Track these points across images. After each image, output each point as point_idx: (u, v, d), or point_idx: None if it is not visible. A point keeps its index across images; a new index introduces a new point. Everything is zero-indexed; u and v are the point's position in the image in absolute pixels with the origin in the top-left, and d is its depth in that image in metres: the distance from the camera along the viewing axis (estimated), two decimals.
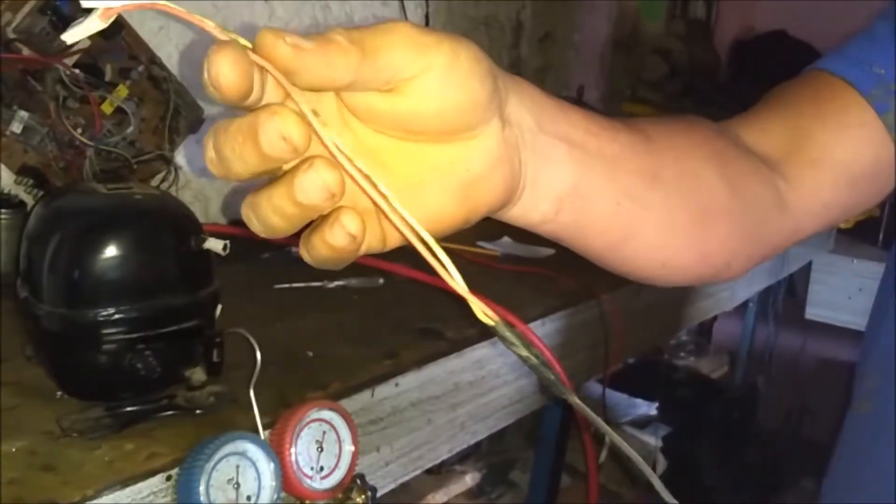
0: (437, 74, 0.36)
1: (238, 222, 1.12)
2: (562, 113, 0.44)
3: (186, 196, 1.08)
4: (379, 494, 0.68)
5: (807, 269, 2.07)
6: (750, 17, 2.64)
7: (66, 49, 0.94)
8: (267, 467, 0.57)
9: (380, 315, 0.88)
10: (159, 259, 0.60)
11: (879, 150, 0.56)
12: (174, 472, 0.54)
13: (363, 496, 0.63)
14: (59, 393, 0.60)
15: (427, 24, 1.44)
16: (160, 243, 0.60)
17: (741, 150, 0.55)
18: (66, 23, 0.94)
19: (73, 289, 0.57)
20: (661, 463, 1.84)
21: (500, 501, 1.57)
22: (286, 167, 0.35)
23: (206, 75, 0.32)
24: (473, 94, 0.37)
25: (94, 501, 0.50)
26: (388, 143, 0.38)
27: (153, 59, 1.03)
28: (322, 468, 0.61)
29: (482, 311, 0.36)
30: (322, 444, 0.61)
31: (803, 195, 0.57)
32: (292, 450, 0.59)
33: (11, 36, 0.91)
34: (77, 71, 0.95)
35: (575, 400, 0.38)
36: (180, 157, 1.08)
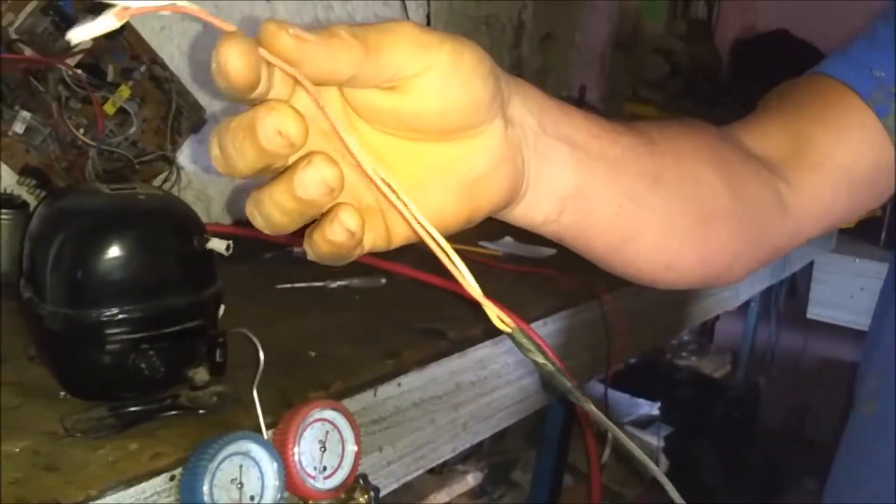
0: (440, 73, 0.36)
1: (240, 222, 1.12)
2: (563, 115, 0.44)
3: (188, 196, 1.09)
4: (381, 494, 0.68)
5: (809, 269, 2.07)
6: (751, 17, 2.64)
7: (69, 49, 0.95)
8: (270, 467, 0.57)
9: (382, 315, 0.88)
10: (162, 259, 0.60)
11: (880, 153, 0.57)
12: (178, 472, 0.54)
13: (366, 496, 0.63)
14: (62, 393, 0.61)
15: (428, 23, 1.44)
16: (163, 243, 0.60)
17: (742, 154, 0.56)
18: (68, 23, 0.94)
19: (76, 289, 0.57)
20: (663, 463, 1.84)
21: (501, 501, 1.56)
22: (288, 163, 0.35)
23: (214, 65, 0.32)
24: (475, 94, 0.37)
25: (98, 501, 0.50)
26: (392, 143, 0.38)
27: (155, 60, 1.03)
28: (325, 468, 0.61)
29: (498, 317, 0.37)
30: (325, 444, 0.61)
31: (804, 198, 0.57)
32: (295, 450, 0.59)
33: (14, 36, 0.91)
34: (79, 71, 0.95)
35: (591, 408, 0.38)
36: (182, 158, 1.08)
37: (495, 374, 0.87)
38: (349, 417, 0.63)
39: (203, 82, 1.08)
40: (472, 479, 1.52)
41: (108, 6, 0.32)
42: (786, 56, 2.30)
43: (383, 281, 0.96)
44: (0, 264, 0.82)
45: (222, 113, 1.08)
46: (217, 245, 0.60)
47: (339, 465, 0.62)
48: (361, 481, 0.64)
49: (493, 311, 0.36)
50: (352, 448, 0.63)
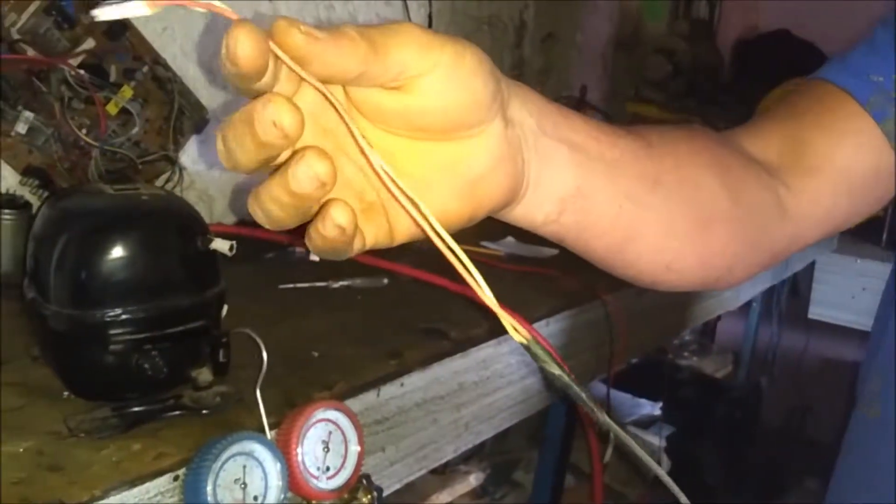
0: (443, 73, 0.37)
1: (243, 222, 1.12)
2: (563, 117, 0.45)
3: (191, 196, 1.09)
4: (384, 494, 0.68)
5: (810, 269, 2.07)
6: (753, 17, 2.64)
7: (71, 49, 0.95)
8: (273, 467, 0.57)
9: (384, 315, 0.88)
10: (166, 259, 0.60)
11: (879, 157, 0.57)
12: (181, 472, 0.54)
13: (369, 496, 0.63)
14: (65, 393, 0.61)
15: (430, 23, 1.44)
16: (167, 244, 0.60)
17: (743, 158, 0.56)
18: (70, 23, 0.95)
19: (80, 289, 0.57)
20: (665, 463, 1.84)
21: (503, 502, 1.56)
22: (283, 158, 0.36)
23: (224, 50, 0.33)
24: (476, 93, 0.38)
25: (102, 502, 0.50)
26: (396, 143, 0.39)
27: (157, 60, 1.03)
28: (328, 468, 0.61)
29: (513, 326, 0.37)
30: (328, 444, 0.61)
31: (804, 202, 0.57)
32: (299, 450, 0.59)
33: (16, 36, 0.91)
34: (82, 72, 0.95)
35: (605, 419, 0.39)
36: (185, 158, 1.08)
37: (498, 374, 0.87)
38: (352, 418, 0.63)
39: (203, 86, 1.08)
40: (474, 480, 1.52)
41: None
42: (787, 56, 2.30)
43: (385, 281, 0.96)
44: (3, 264, 0.82)
45: (224, 113, 1.08)
46: (220, 245, 0.60)
47: (342, 466, 0.62)
48: (364, 481, 0.64)
49: (509, 321, 0.37)
50: (355, 448, 0.63)
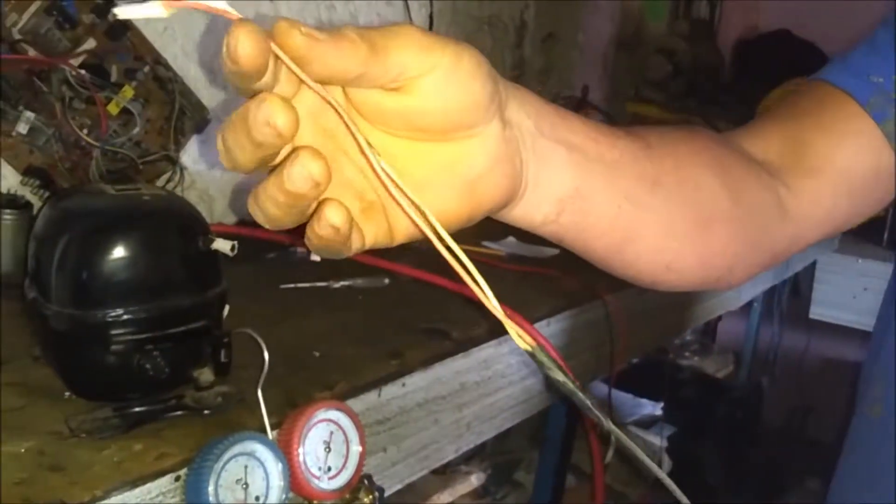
0: (442, 74, 0.37)
1: (244, 222, 1.12)
2: (561, 119, 0.45)
3: (192, 196, 1.09)
4: (386, 495, 0.68)
5: (811, 269, 2.07)
6: (753, 17, 2.64)
7: (72, 49, 0.95)
8: (275, 467, 0.57)
9: (385, 315, 0.88)
10: (167, 260, 0.60)
11: (879, 158, 0.57)
12: (183, 472, 0.54)
13: (371, 496, 0.63)
14: (66, 393, 0.61)
15: (431, 23, 1.44)
16: (168, 244, 0.60)
17: (743, 159, 0.56)
18: (71, 23, 0.95)
19: (81, 289, 0.57)
20: (667, 463, 1.84)
21: (505, 502, 1.56)
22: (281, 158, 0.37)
23: (225, 48, 0.33)
24: (475, 94, 0.39)
25: (103, 502, 0.50)
26: (395, 144, 0.39)
27: (158, 60, 1.03)
28: (330, 468, 0.61)
29: (518, 334, 0.37)
30: (329, 445, 0.61)
31: (804, 202, 0.57)
32: (300, 450, 0.59)
33: (17, 36, 0.91)
34: (83, 72, 0.95)
35: (611, 426, 0.39)
36: (186, 158, 1.08)
37: (499, 374, 0.87)
38: (354, 418, 0.63)
39: (204, 86, 1.08)
40: (475, 480, 1.51)
41: None
42: (788, 56, 2.30)
43: (386, 281, 0.96)
44: (3, 264, 0.82)
45: (224, 113, 1.08)
46: (222, 245, 0.60)
47: (343, 466, 0.62)
48: (366, 482, 0.64)
49: (514, 329, 0.37)
50: (356, 448, 0.63)
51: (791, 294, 2.27)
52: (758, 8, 2.65)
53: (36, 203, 0.90)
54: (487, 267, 1.08)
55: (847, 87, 0.57)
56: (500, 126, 0.41)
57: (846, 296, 2.02)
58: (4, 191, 0.90)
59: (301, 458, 0.59)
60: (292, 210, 0.36)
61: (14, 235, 0.82)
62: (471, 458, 1.54)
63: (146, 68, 1.02)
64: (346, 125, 0.36)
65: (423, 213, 0.37)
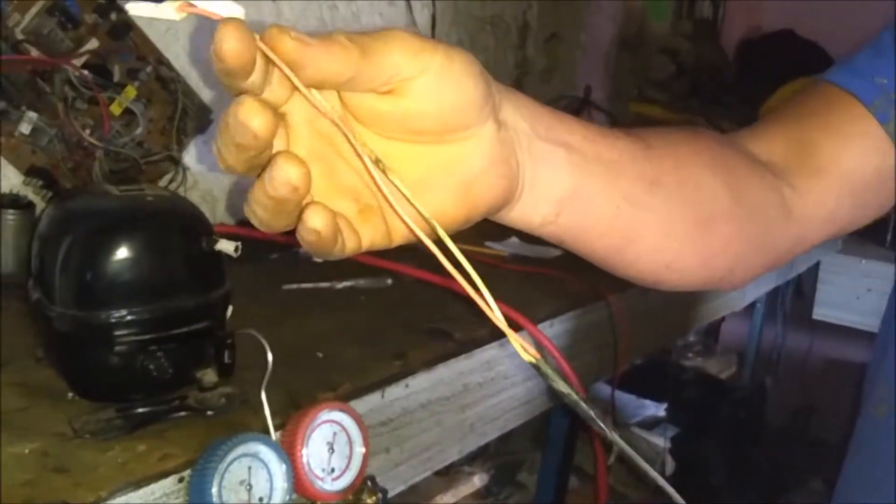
0: (434, 76, 0.38)
1: (245, 222, 1.12)
2: (558, 121, 0.46)
3: (194, 197, 1.09)
4: (389, 496, 0.68)
5: (815, 270, 2.06)
6: (757, 17, 2.63)
7: (74, 49, 0.95)
8: (279, 468, 0.57)
9: (388, 316, 0.88)
10: (171, 260, 0.60)
11: (883, 160, 0.57)
12: (186, 473, 0.54)
13: (374, 498, 0.63)
14: (70, 394, 0.61)
15: (434, 24, 1.44)
16: (172, 245, 0.60)
17: (746, 159, 0.56)
18: (74, 23, 0.95)
19: (85, 290, 0.57)
20: (670, 464, 1.84)
21: (508, 503, 1.56)
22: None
23: (212, 46, 0.34)
24: (468, 95, 0.39)
25: (107, 503, 0.50)
26: (391, 147, 0.40)
27: (161, 60, 1.03)
28: (333, 469, 0.61)
29: (522, 347, 0.38)
30: (333, 446, 0.61)
31: (809, 203, 0.57)
32: (304, 451, 0.59)
33: (20, 37, 0.91)
34: (85, 72, 0.95)
35: (615, 437, 0.39)
36: (188, 158, 1.08)
37: (502, 375, 0.87)
38: (357, 419, 0.63)
39: (205, 86, 1.08)
40: (478, 481, 1.51)
41: None
42: (791, 56, 2.29)
43: (389, 281, 0.96)
44: (6, 265, 0.82)
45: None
46: (225, 246, 0.60)
47: (347, 467, 0.62)
48: (369, 483, 0.64)
49: (518, 342, 0.38)
50: (360, 449, 0.63)
51: (794, 295, 2.27)
52: (761, 8, 2.64)
53: (38, 203, 0.90)
54: (490, 267, 1.09)
55: (852, 89, 0.57)
56: (495, 127, 0.41)
57: (850, 296, 2.02)
58: (7, 191, 0.90)
59: (304, 460, 0.59)
60: (279, 214, 0.37)
61: (16, 236, 0.82)
62: (474, 459, 1.53)
63: (149, 68, 1.01)
64: (339, 128, 0.37)
65: (424, 217, 0.37)
